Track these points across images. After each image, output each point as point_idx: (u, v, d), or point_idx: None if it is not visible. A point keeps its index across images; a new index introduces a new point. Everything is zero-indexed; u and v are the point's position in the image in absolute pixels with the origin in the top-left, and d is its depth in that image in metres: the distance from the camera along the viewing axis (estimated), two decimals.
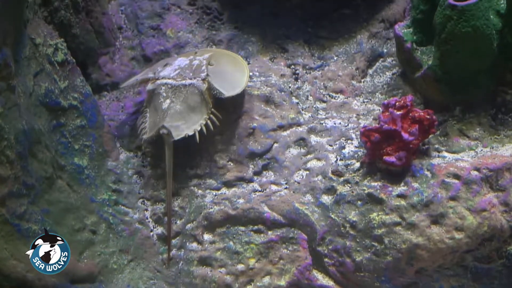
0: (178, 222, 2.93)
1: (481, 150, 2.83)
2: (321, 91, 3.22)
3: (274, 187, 2.92)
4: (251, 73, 3.24)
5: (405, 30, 3.02)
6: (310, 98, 3.20)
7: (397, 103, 2.76)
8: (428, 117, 2.74)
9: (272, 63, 3.33)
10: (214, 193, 2.94)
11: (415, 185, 2.72)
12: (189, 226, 2.90)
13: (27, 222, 2.53)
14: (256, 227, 2.84)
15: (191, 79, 3.06)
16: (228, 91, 3.04)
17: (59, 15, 3.00)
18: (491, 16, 2.81)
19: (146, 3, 3.53)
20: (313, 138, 3.02)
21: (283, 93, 3.16)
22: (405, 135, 2.70)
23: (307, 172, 2.92)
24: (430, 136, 2.82)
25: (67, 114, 2.85)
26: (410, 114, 2.75)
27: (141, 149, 3.10)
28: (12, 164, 2.42)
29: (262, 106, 3.09)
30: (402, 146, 2.71)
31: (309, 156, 2.97)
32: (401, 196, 2.71)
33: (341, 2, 3.50)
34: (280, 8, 3.45)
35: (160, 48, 3.39)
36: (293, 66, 3.32)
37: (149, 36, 3.44)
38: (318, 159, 2.95)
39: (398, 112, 2.73)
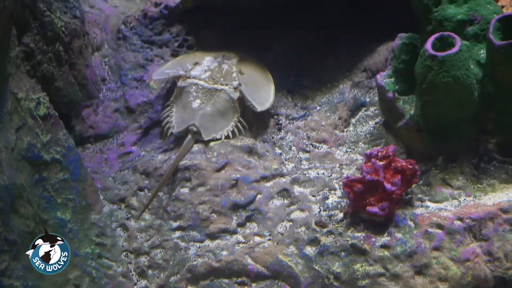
0: (161, 275, 2.90)
1: (464, 199, 2.83)
2: (304, 141, 3.22)
3: (257, 239, 2.90)
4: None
5: (387, 80, 3.04)
6: (293, 148, 3.20)
7: (379, 154, 2.77)
8: (410, 167, 2.75)
9: None
10: (197, 245, 2.92)
11: (399, 235, 2.71)
12: (172, 279, 2.88)
13: (8, 278, 2.50)
14: (240, 279, 2.82)
15: (222, 84, 3.23)
16: (259, 106, 3.21)
17: (42, 68, 3.00)
18: (472, 66, 2.83)
19: (129, 54, 3.55)
20: (297, 189, 3.02)
21: (266, 143, 3.17)
22: (388, 186, 2.70)
23: (291, 223, 2.91)
24: (413, 185, 2.82)
25: (50, 168, 2.84)
26: (393, 164, 2.75)
27: (125, 202, 3.09)
28: None
29: (245, 157, 3.09)
30: (385, 197, 2.72)
31: (292, 207, 2.96)
32: (384, 246, 2.71)
33: (324, 51, 3.52)
34: (263, 58, 3.47)
35: (143, 99, 3.40)
36: (276, 116, 3.33)
37: (132, 88, 3.45)
38: (302, 210, 2.94)
39: (381, 163, 2.74)
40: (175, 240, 2.95)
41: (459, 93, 2.78)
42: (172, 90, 3.36)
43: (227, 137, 3.15)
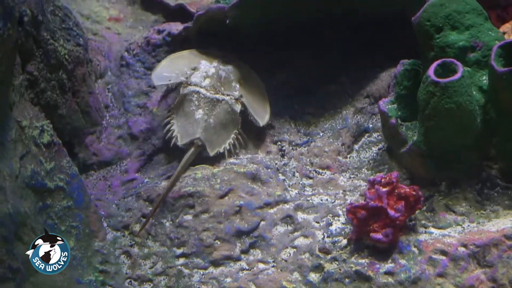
0: None
1: (468, 225, 2.83)
2: (308, 167, 3.23)
3: (261, 266, 2.90)
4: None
5: (390, 106, 3.04)
6: (297, 174, 3.20)
7: (382, 180, 2.77)
8: (414, 193, 2.75)
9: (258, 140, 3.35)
10: (201, 273, 2.92)
11: (403, 261, 2.71)
12: None
13: None
14: None
15: (223, 94, 3.23)
16: (261, 120, 3.26)
17: (46, 96, 3.01)
18: (474, 92, 2.84)
19: (132, 81, 3.56)
20: (300, 215, 3.01)
21: (269, 170, 3.17)
22: (391, 212, 2.70)
23: (294, 249, 2.91)
24: (417, 212, 2.82)
25: (54, 195, 2.84)
26: (396, 191, 2.75)
27: (129, 229, 3.09)
28: None
29: (249, 183, 3.09)
30: (388, 223, 2.72)
31: (296, 234, 2.96)
32: (388, 273, 2.70)
33: (326, 77, 3.53)
34: (266, 84, 3.47)
35: (146, 126, 3.40)
36: (279, 143, 3.33)
37: (135, 114, 3.45)
38: (305, 236, 2.94)
39: (384, 189, 2.74)
40: (179, 267, 2.94)
41: (461, 119, 2.78)
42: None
43: (229, 151, 3.19)
